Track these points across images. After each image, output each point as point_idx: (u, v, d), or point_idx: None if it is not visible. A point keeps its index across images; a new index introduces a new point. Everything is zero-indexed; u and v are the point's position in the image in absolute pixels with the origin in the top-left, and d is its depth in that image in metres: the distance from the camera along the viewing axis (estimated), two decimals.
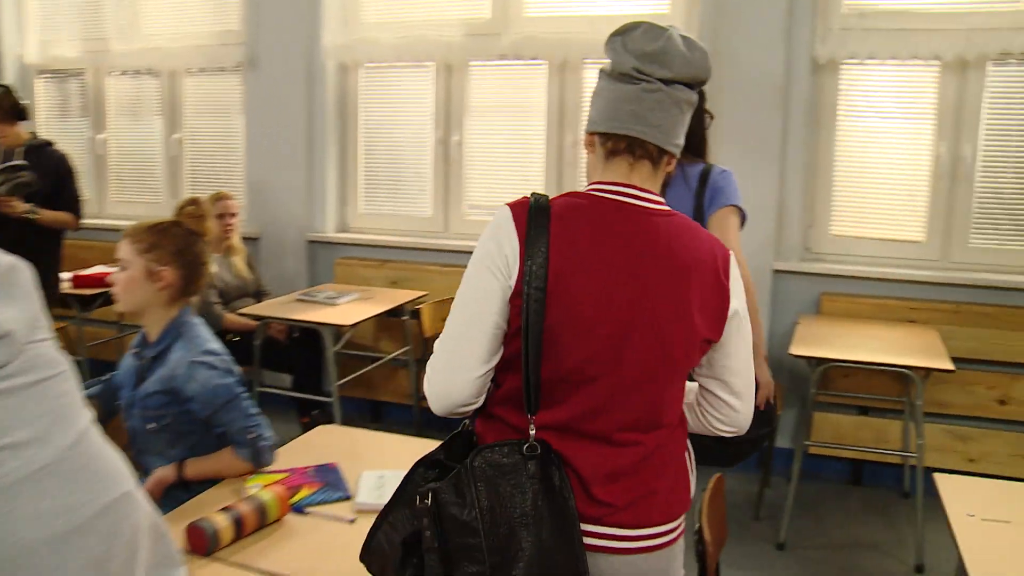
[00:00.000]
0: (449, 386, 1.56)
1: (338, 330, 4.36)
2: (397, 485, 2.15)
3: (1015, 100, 4.21)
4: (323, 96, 5.24)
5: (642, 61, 1.54)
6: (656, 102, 1.55)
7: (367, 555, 1.63)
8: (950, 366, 3.49)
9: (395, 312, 4.69)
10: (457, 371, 1.55)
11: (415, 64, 5.16)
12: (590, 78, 4.78)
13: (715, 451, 2.60)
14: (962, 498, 2.23)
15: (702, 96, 2.74)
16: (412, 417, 4.97)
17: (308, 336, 4.62)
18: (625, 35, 1.58)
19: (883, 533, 3.92)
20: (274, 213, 5.39)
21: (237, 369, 2.42)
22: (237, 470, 2.31)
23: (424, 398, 1.61)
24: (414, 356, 4.90)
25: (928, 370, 3.56)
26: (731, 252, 1.66)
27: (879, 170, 4.44)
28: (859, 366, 3.65)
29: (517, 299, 1.51)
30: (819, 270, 4.43)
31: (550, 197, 1.59)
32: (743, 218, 2.83)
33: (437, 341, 1.59)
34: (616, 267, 1.54)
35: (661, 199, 1.62)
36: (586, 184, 1.66)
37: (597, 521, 1.55)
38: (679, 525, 1.65)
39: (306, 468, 2.31)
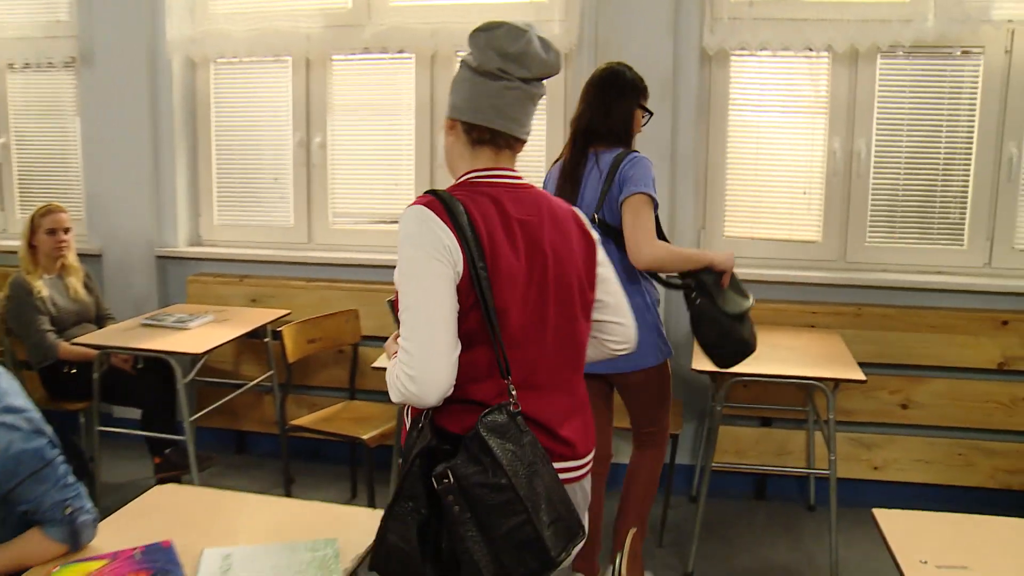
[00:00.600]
0: (436, 374, 1.62)
1: (191, 358, 3.86)
2: (247, 565, 1.76)
3: (905, 93, 4.06)
4: (169, 95, 4.70)
5: (504, 61, 1.74)
6: (515, 98, 1.78)
7: (383, 560, 1.65)
8: (861, 376, 3.26)
9: (256, 333, 4.20)
10: (438, 357, 1.63)
11: (271, 59, 4.68)
12: None
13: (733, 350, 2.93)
14: (910, 539, 1.96)
15: (641, 93, 2.99)
16: (278, 447, 4.47)
17: (157, 365, 4.08)
18: (489, 32, 1.76)
19: (793, 552, 3.69)
20: (117, 226, 4.81)
21: (49, 429, 1.95)
22: (47, 555, 1.85)
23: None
24: (278, 380, 4.40)
25: (838, 381, 3.34)
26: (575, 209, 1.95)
27: (773, 167, 4.23)
28: (766, 379, 3.39)
29: (465, 282, 1.66)
30: None
31: (442, 191, 1.74)
32: (655, 204, 2.86)
33: (403, 339, 1.65)
34: (524, 237, 1.76)
35: (521, 175, 1.86)
36: (450, 168, 1.88)
37: (560, 457, 1.77)
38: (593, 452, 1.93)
39: (132, 551, 1.85)
